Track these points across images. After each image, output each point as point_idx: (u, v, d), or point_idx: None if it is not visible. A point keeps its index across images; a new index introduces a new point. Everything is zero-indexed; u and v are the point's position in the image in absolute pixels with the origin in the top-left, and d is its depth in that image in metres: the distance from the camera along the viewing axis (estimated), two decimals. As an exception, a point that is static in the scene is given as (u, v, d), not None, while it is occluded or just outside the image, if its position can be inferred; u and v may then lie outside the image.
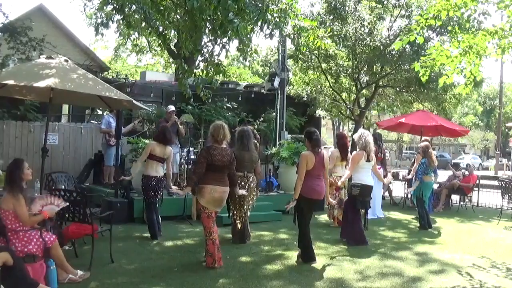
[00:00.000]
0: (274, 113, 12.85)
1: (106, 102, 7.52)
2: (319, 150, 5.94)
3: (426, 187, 8.68)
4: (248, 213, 6.93)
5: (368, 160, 7.02)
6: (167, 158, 7.01)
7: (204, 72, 6.70)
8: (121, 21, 7.86)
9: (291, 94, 15.75)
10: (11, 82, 5.94)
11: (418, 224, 8.68)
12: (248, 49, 6.73)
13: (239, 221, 6.75)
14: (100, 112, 12.52)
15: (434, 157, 8.85)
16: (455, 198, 11.96)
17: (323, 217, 9.22)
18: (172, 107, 9.68)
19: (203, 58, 6.88)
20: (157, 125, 9.89)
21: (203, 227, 5.64)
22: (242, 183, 6.55)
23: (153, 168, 6.90)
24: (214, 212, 5.71)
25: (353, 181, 7.09)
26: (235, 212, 6.77)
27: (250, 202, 6.86)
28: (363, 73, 16.78)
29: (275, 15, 6.74)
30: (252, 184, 6.78)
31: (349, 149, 8.78)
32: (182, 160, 9.33)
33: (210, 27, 6.37)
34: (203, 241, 5.87)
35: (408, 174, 10.45)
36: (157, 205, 7.12)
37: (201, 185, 5.54)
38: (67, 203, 5.02)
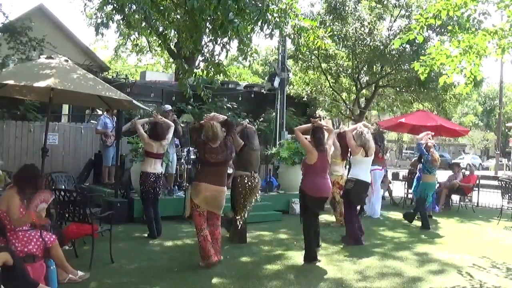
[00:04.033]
0: (274, 113, 12.85)
1: (106, 102, 7.52)
2: (322, 149, 5.96)
3: (429, 187, 8.68)
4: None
5: (366, 156, 7.00)
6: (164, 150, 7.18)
7: (205, 72, 6.69)
8: (121, 21, 7.86)
9: (291, 94, 15.76)
10: (11, 82, 5.94)
11: (419, 224, 8.69)
12: (248, 49, 6.72)
13: (240, 220, 6.70)
14: (100, 112, 12.52)
15: (437, 157, 8.84)
16: (455, 198, 11.95)
17: (323, 217, 9.19)
18: (168, 107, 9.62)
19: (203, 58, 6.87)
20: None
21: (195, 225, 5.64)
22: (249, 183, 6.51)
23: (151, 165, 6.95)
24: (214, 214, 5.72)
25: (348, 176, 7.11)
26: (237, 210, 6.72)
27: (253, 202, 6.84)
28: (363, 73, 16.79)
29: (275, 15, 6.72)
30: (258, 184, 6.76)
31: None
32: (182, 160, 9.32)
33: (210, 27, 6.35)
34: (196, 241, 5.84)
35: (409, 174, 10.44)
36: (157, 203, 7.16)
37: (195, 182, 5.58)
38: (53, 196, 4.91)
